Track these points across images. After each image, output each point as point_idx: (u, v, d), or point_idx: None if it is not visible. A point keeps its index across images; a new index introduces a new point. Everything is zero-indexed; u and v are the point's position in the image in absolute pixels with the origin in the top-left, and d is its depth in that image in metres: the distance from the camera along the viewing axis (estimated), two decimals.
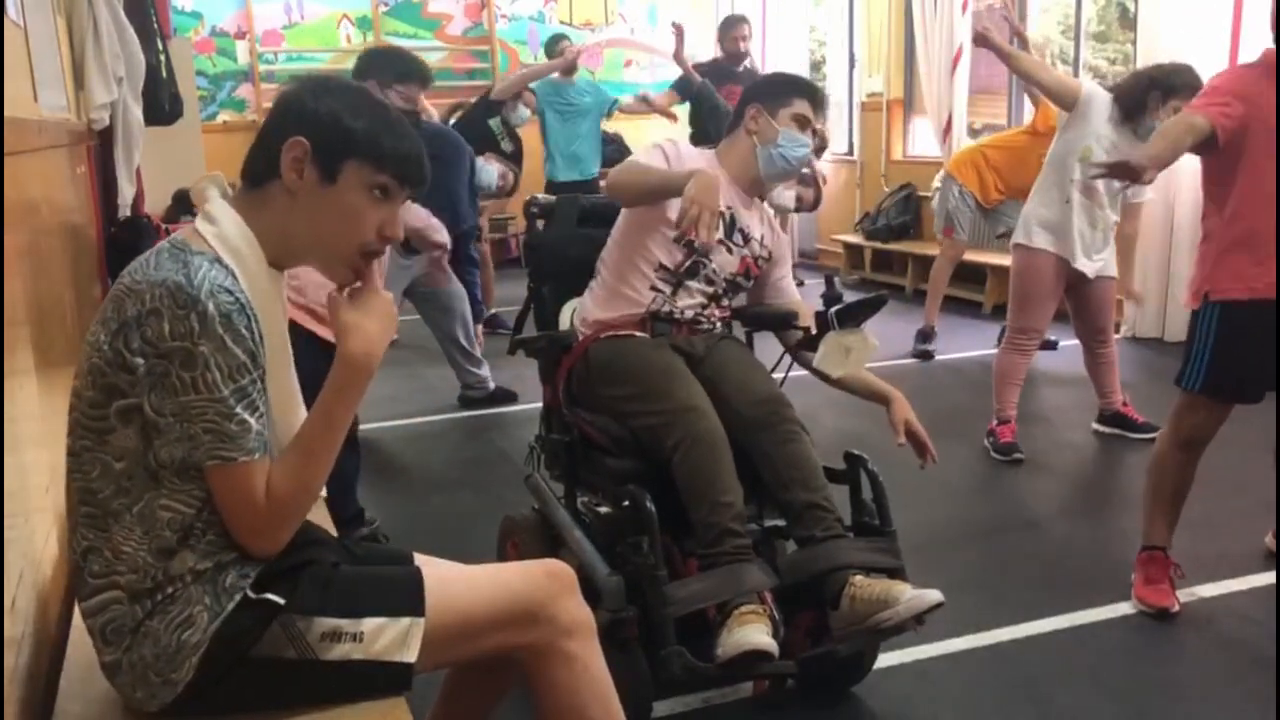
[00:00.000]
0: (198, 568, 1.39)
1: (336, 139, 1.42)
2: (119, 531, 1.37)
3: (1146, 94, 3.69)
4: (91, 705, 1.48)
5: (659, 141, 2.57)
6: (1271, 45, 2.53)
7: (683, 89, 6.44)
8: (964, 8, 6.99)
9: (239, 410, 1.33)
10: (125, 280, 1.36)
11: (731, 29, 6.58)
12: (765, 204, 2.68)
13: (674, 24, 6.36)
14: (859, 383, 2.48)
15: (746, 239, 2.55)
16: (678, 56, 6.34)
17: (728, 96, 5.95)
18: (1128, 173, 2.55)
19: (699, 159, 2.54)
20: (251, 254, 1.42)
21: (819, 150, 2.59)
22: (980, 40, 4.07)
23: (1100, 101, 3.78)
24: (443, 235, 3.60)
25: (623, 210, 2.53)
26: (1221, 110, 2.51)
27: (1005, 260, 5.59)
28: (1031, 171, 5.23)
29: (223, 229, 1.41)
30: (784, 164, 2.53)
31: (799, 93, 2.54)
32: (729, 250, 2.51)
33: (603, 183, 2.52)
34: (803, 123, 2.52)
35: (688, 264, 2.48)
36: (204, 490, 1.38)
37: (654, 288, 2.48)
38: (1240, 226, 2.54)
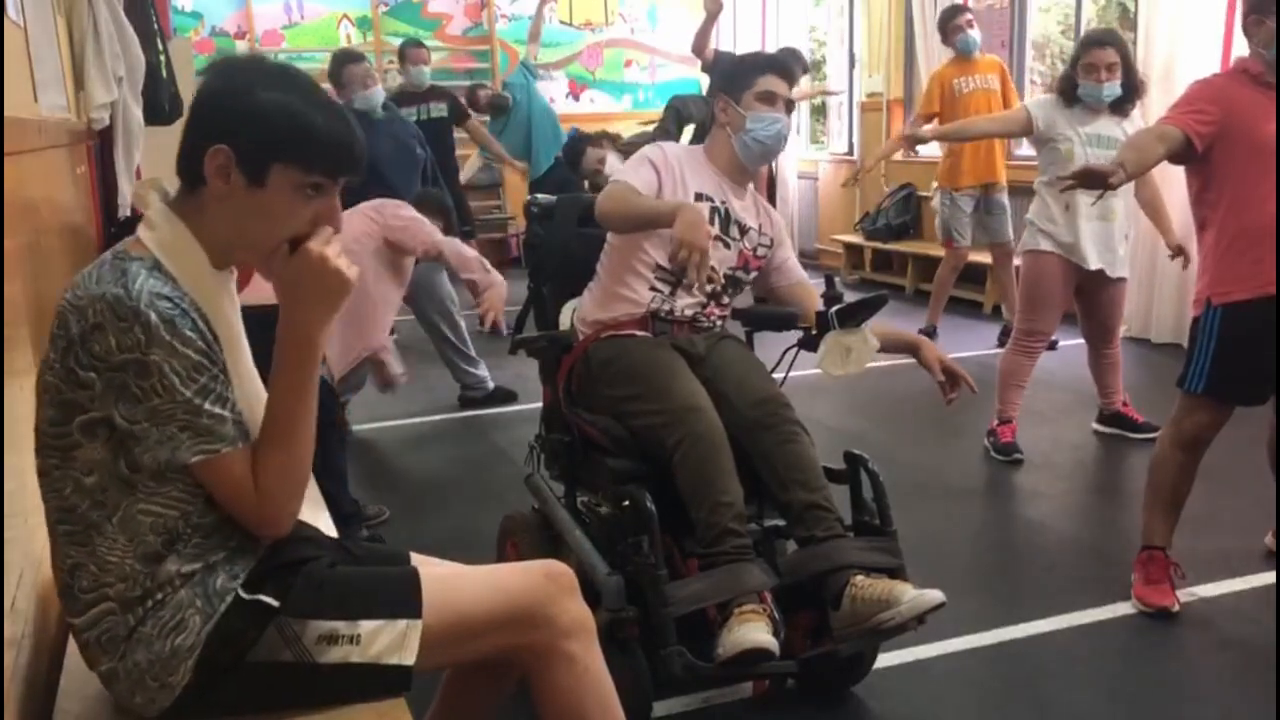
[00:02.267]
0: (184, 570, 1.38)
1: (259, 143, 1.36)
2: (102, 543, 1.36)
3: (1071, 72, 3.78)
4: (91, 705, 1.48)
5: (646, 152, 2.54)
6: (1244, 53, 2.60)
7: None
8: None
9: (207, 405, 1.33)
10: (68, 295, 1.34)
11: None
12: (756, 190, 2.67)
13: None
14: (883, 337, 2.42)
15: (744, 230, 2.55)
16: (707, 26, 5.90)
17: None
18: (1096, 180, 2.56)
19: (688, 160, 2.53)
20: (193, 256, 1.39)
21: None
22: (912, 141, 4.46)
23: (1048, 106, 3.84)
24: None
25: None
26: (1195, 118, 2.56)
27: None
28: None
29: (161, 235, 1.39)
30: (759, 147, 2.51)
31: (759, 69, 2.51)
32: (726, 245, 2.50)
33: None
34: (769, 99, 2.48)
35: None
36: (182, 492, 1.37)
37: (653, 288, 2.47)
38: (1235, 227, 2.56)
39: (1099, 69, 3.68)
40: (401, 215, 3.52)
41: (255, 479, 1.37)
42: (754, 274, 2.61)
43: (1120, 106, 3.77)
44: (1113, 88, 3.69)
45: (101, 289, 1.30)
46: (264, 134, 1.36)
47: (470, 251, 3.44)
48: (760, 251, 2.59)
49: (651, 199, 2.41)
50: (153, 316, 1.29)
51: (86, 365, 1.30)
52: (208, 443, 1.33)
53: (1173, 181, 5.25)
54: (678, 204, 2.29)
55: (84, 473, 1.35)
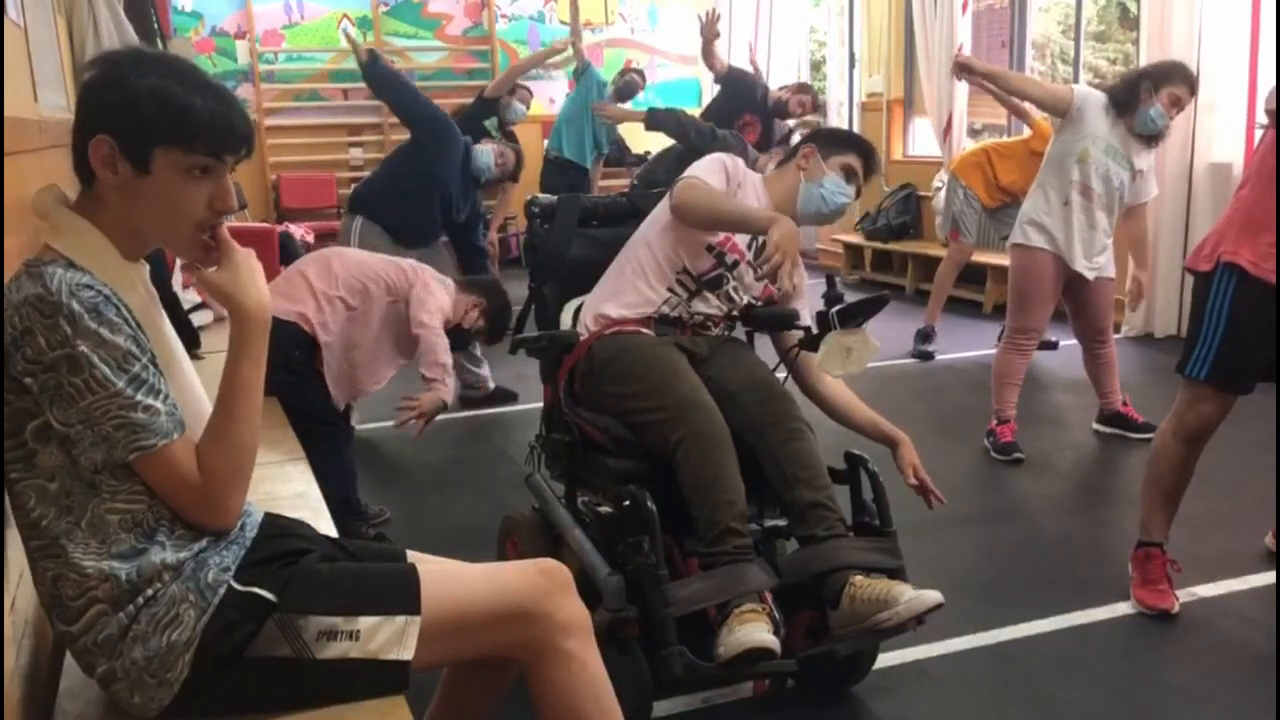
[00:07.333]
0: (171, 561, 1.39)
1: (138, 130, 1.36)
2: (75, 550, 1.36)
3: (1138, 85, 3.73)
4: (91, 705, 1.48)
5: (721, 157, 2.58)
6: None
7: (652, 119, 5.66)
8: (964, 8, 7.00)
9: (140, 397, 1.33)
10: None
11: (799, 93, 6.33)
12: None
13: (706, 12, 6.16)
14: (868, 423, 2.52)
15: None
16: (708, 47, 6.12)
17: (742, 126, 5.83)
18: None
19: (751, 185, 2.57)
20: (103, 251, 1.40)
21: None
22: (963, 70, 4.14)
23: (1094, 102, 3.80)
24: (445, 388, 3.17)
25: (661, 211, 2.53)
26: None
27: (1006, 260, 5.64)
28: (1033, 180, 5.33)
29: (68, 236, 1.39)
30: (821, 205, 2.55)
31: (855, 149, 2.58)
32: (757, 276, 2.52)
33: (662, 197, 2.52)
34: (849, 173, 2.55)
35: (712, 275, 2.49)
36: (142, 484, 1.37)
37: (670, 289, 2.48)
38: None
39: (1182, 103, 3.71)
40: (430, 286, 3.26)
41: (201, 464, 1.38)
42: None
43: (1155, 139, 3.80)
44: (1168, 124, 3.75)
45: (23, 295, 1.31)
46: (140, 119, 1.36)
47: (443, 355, 3.18)
48: (778, 294, 2.60)
49: (743, 204, 2.47)
50: (75, 306, 1.30)
51: (22, 371, 1.31)
52: (143, 439, 1.33)
53: (1194, 193, 5.29)
54: (773, 214, 2.35)
55: (47, 479, 1.35)
